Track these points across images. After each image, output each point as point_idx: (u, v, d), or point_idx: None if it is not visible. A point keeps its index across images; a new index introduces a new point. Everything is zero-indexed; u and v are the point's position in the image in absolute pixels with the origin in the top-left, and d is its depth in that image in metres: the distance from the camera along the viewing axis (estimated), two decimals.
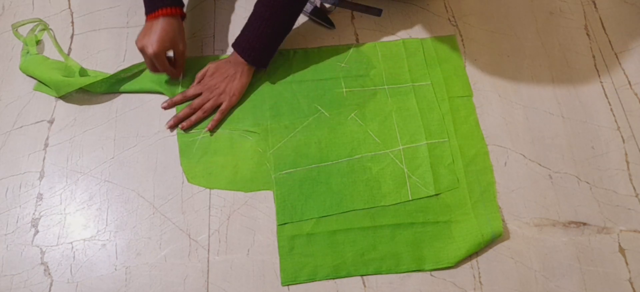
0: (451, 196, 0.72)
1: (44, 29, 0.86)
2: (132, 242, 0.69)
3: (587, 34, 0.88)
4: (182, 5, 0.76)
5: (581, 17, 0.90)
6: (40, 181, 0.73)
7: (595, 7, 0.91)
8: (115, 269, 0.67)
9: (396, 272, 0.67)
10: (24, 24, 0.86)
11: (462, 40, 0.86)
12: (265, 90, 0.80)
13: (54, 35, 0.85)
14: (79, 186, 0.73)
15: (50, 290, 0.66)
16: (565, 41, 0.87)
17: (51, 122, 0.78)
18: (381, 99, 0.79)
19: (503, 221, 0.71)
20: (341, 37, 0.86)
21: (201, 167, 0.74)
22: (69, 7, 0.89)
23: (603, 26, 0.89)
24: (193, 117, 0.77)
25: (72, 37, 0.86)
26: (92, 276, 0.67)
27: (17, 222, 0.70)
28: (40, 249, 0.69)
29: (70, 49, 0.84)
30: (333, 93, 0.80)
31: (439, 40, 0.86)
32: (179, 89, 0.80)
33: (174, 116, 0.77)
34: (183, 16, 0.77)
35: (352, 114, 0.78)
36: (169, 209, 0.71)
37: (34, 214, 0.71)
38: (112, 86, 0.79)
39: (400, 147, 0.75)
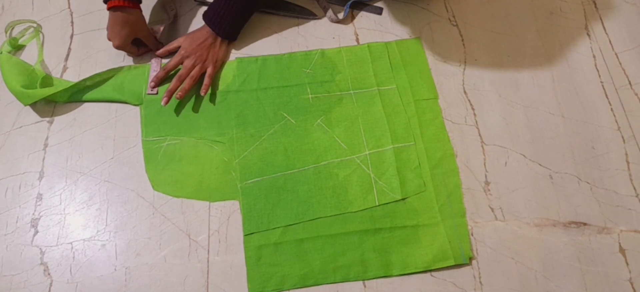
0: (418, 200, 0.72)
1: (36, 32, 0.85)
2: (132, 242, 0.69)
3: (587, 34, 0.88)
4: None
5: (581, 17, 0.90)
6: (40, 181, 0.73)
7: (595, 7, 0.91)
8: (115, 269, 0.67)
9: (364, 279, 0.67)
10: (20, 23, 0.86)
11: (463, 40, 0.86)
12: (230, 98, 0.79)
13: (43, 41, 0.84)
14: (79, 186, 0.73)
15: (50, 290, 0.66)
16: (566, 41, 0.87)
17: (51, 122, 0.78)
18: (347, 105, 0.79)
19: (503, 220, 0.71)
20: (341, 38, 0.86)
21: (166, 175, 0.73)
22: (69, 7, 0.89)
23: (603, 26, 0.89)
24: (185, 85, 0.78)
25: (71, 37, 0.86)
26: (92, 276, 0.67)
27: (16, 222, 0.70)
28: (40, 249, 0.69)
29: (70, 49, 0.84)
30: (299, 99, 0.79)
31: (403, 43, 0.85)
32: (142, 97, 0.79)
33: (166, 91, 0.77)
34: (137, 7, 0.77)
35: (318, 120, 0.78)
36: (168, 209, 0.71)
37: (33, 214, 0.71)
38: (74, 95, 0.79)
39: (367, 152, 0.75)
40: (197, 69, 0.79)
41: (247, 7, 0.81)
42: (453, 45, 0.86)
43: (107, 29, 0.78)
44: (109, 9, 0.75)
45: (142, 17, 0.79)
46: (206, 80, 0.79)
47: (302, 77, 0.81)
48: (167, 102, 0.77)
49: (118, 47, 0.78)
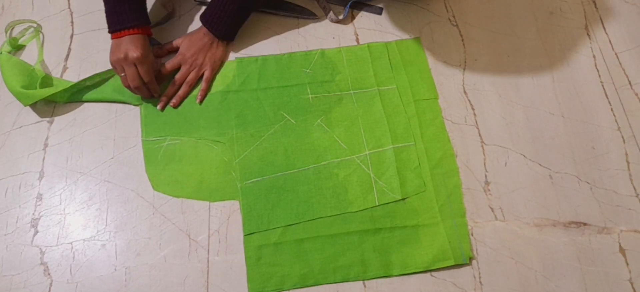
0: (418, 200, 0.72)
1: (36, 32, 0.85)
2: (132, 242, 0.69)
3: (587, 34, 0.88)
4: (149, 23, 0.78)
5: (581, 17, 0.90)
6: (40, 181, 0.73)
7: (595, 7, 0.91)
8: (115, 270, 0.67)
9: (364, 279, 0.67)
10: (20, 23, 0.86)
11: (463, 40, 0.86)
12: (230, 98, 0.79)
13: (43, 41, 0.84)
14: (79, 186, 0.73)
15: (49, 290, 0.66)
16: (566, 41, 0.87)
17: (51, 122, 0.78)
18: (347, 105, 0.79)
19: (503, 220, 0.71)
20: (341, 38, 0.86)
21: (166, 175, 0.73)
22: (69, 7, 0.89)
23: (603, 26, 0.89)
24: (180, 92, 0.79)
25: (71, 37, 0.86)
26: (92, 276, 0.67)
27: (16, 222, 0.70)
28: (40, 249, 0.68)
29: (70, 48, 0.84)
30: (299, 99, 0.79)
31: (404, 43, 0.85)
32: (142, 97, 0.78)
33: (162, 96, 0.78)
34: (150, 35, 0.78)
35: (318, 120, 0.78)
36: (168, 209, 0.71)
37: (33, 214, 0.71)
38: (74, 95, 0.79)
39: (367, 152, 0.75)
40: (192, 75, 0.79)
41: (244, 8, 0.81)
42: (453, 45, 0.86)
43: (115, 50, 0.73)
44: (125, 36, 0.72)
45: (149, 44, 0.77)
46: (203, 85, 0.79)
47: (302, 77, 0.81)
48: (163, 107, 0.78)
49: (138, 60, 0.72)
